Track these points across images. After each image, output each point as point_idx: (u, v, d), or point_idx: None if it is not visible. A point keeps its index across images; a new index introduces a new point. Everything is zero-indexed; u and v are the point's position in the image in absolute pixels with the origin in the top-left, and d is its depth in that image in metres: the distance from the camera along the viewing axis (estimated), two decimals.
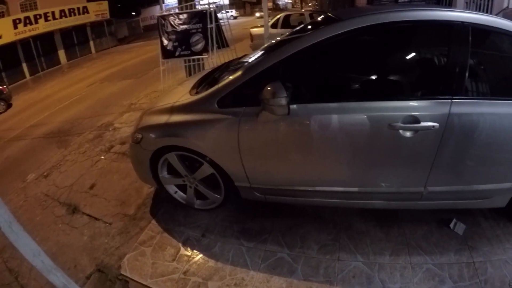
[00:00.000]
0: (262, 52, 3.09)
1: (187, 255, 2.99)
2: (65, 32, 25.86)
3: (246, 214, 3.36)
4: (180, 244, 3.12)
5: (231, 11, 45.28)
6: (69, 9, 25.44)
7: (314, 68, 2.69)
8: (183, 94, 3.25)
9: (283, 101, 2.35)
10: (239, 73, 2.75)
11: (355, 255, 2.80)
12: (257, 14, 45.94)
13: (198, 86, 3.31)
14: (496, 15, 5.95)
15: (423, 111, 2.37)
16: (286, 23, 11.82)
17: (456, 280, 2.52)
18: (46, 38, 24.23)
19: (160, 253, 3.05)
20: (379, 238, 2.94)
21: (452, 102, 2.33)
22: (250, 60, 3.01)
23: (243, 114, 2.66)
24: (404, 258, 2.74)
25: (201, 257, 2.96)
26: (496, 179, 2.60)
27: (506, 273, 2.53)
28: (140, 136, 3.16)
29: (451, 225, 2.94)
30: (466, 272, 2.57)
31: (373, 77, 2.67)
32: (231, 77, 2.81)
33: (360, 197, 2.86)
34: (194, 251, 3.03)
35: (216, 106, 2.77)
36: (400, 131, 2.38)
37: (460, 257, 2.70)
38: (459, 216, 3.00)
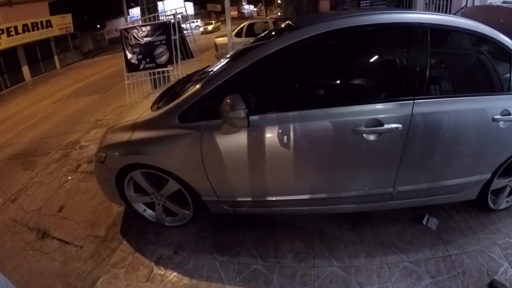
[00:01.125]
0: (223, 63, 3.05)
1: (160, 274, 2.91)
2: (29, 48, 25.08)
3: (218, 228, 3.31)
4: (153, 264, 3.04)
5: (197, 21, 44.92)
6: (32, 23, 24.71)
7: (273, 78, 2.70)
8: (145, 110, 3.19)
9: (242, 114, 2.33)
10: (198, 86, 2.71)
11: (330, 260, 2.79)
12: (201, 29, 37.64)
13: (160, 101, 3.25)
14: (454, 14, 6.12)
15: (385, 113, 2.39)
16: (250, 31, 11.93)
17: (433, 275, 2.56)
18: (9, 54, 23.46)
19: (133, 274, 2.96)
20: (353, 241, 2.95)
21: (414, 102, 2.37)
22: (210, 72, 2.97)
23: (205, 128, 2.62)
24: (380, 258, 2.76)
25: (175, 275, 2.89)
26: (464, 173, 2.66)
27: (483, 262, 2.60)
28: (104, 155, 3.07)
29: (424, 221, 2.99)
30: (443, 266, 2.62)
31: (334, 83, 2.70)
32: (191, 91, 2.76)
33: (330, 202, 2.85)
34: (168, 269, 2.95)
35: (177, 121, 2.71)
36: (364, 135, 2.39)
37: (436, 252, 2.74)
38: (431, 211, 3.06)
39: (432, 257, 2.71)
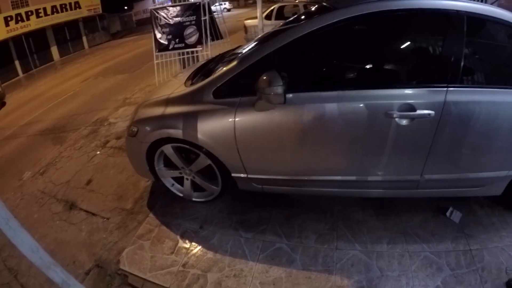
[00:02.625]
0: (257, 42, 3.08)
1: (185, 248, 3.00)
2: (57, 28, 25.57)
3: (244, 205, 3.37)
4: (178, 237, 3.13)
5: (225, 4, 44.76)
6: (60, 5, 25.16)
7: (309, 57, 2.70)
8: (178, 86, 3.24)
9: (279, 90, 2.35)
10: (234, 63, 2.75)
11: (353, 244, 2.81)
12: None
13: (194, 77, 3.31)
14: (491, 4, 5.95)
15: (419, 99, 2.37)
16: (280, 14, 11.81)
17: (453, 267, 2.54)
18: (38, 35, 23.96)
19: (159, 246, 3.05)
20: (377, 226, 2.95)
21: (447, 90, 2.34)
22: (245, 50, 3.00)
23: (239, 104, 2.67)
24: (402, 246, 2.75)
25: (199, 249, 2.97)
26: (492, 167, 2.61)
27: (503, 260, 2.55)
28: (135, 129, 3.15)
29: (448, 213, 2.96)
30: (463, 260, 2.59)
31: (369, 66, 2.67)
32: (226, 68, 2.80)
33: (357, 185, 2.86)
34: (193, 243, 3.04)
35: (211, 96, 2.77)
36: (396, 119, 2.39)
37: (457, 245, 2.71)
38: (455, 204, 3.01)
39: (453, 249, 2.69)
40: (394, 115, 2.38)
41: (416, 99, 2.37)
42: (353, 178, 2.78)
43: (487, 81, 2.56)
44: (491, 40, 2.65)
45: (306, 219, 3.10)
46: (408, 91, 2.44)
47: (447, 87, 2.34)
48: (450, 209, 2.98)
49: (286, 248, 2.85)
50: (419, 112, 2.35)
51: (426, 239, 2.79)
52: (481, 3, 2.69)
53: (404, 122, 2.39)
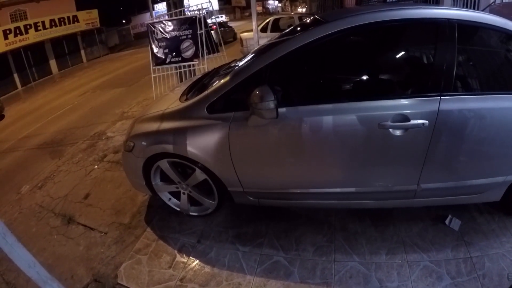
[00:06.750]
0: (251, 56, 3.09)
1: (183, 262, 2.98)
2: (56, 42, 25.64)
3: (241, 219, 3.36)
4: (175, 251, 3.11)
5: (221, 16, 45.08)
6: (59, 19, 25.27)
7: (301, 71, 2.71)
8: (173, 101, 3.25)
9: (271, 105, 2.35)
10: (227, 78, 2.76)
11: (351, 256, 2.79)
12: None
13: (188, 93, 3.32)
14: (482, 10, 5.99)
15: (412, 109, 2.37)
16: (275, 26, 11.91)
17: (454, 276, 2.52)
18: (37, 48, 24.04)
19: (156, 261, 3.04)
20: (375, 237, 2.94)
21: (441, 98, 2.34)
22: (239, 64, 3.01)
23: (233, 119, 2.67)
24: (401, 256, 2.74)
25: (197, 263, 2.95)
26: (489, 173, 2.61)
27: (504, 266, 2.54)
28: (132, 144, 3.15)
29: (447, 221, 2.94)
30: (464, 268, 2.57)
31: (361, 77, 2.67)
32: (219, 83, 2.82)
33: (354, 197, 2.86)
34: (190, 257, 3.02)
35: (206, 112, 2.77)
36: (390, 130, 2.39)
37: (457, 253, 2.70)
38: (454, 212, 3.00)
39: (453, 258, 2.67)
40: (388, 126, 2.38)
41: (409, 109, 2.37)
42: (349, 189, 2.78)
43: (480, 87, 2.56)
44: (483, 46, 2.65)
45: (304, 232, 3.09)
46: (401, 101, 2.44)
47: (440, 95, 2.34)
48: (449, 217, 2.96)
49: (284, 261, 2.83)
50: (412, 122, 2.34)
51: (425, 248, 2.77)
52: (472, 10, 2.71)
53: (398, 132, 2.39)
